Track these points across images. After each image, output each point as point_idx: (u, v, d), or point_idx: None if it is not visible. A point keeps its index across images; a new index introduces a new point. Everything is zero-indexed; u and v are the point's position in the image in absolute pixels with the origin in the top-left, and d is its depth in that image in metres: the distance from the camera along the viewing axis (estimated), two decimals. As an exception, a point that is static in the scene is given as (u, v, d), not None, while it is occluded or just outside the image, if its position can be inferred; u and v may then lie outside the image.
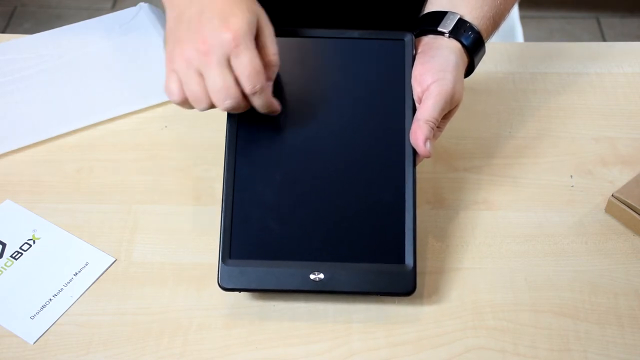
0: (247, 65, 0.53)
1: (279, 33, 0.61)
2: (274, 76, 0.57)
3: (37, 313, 0.60)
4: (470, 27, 0.61)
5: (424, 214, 0.66)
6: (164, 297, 0.61)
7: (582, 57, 0.83)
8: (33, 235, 0.65)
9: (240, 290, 0.59)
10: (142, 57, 0.82)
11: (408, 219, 0.58)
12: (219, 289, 0.58)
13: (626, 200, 0.65)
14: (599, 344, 0.58)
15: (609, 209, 0.66)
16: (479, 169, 0.71)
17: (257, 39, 0.55)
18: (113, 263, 0.63)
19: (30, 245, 0.64)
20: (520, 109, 0.77)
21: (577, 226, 0.66)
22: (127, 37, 0.84)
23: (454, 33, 0.61)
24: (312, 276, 0.57)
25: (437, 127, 0.60)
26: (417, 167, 0.60)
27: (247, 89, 0.54)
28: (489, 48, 0.65)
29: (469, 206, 0.67)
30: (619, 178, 0.70)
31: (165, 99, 0.77)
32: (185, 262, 0.63)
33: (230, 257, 0.58)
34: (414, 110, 0.60)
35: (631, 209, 0.65)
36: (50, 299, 0.60)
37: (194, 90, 0.55)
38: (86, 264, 0.63)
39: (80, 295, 0.61)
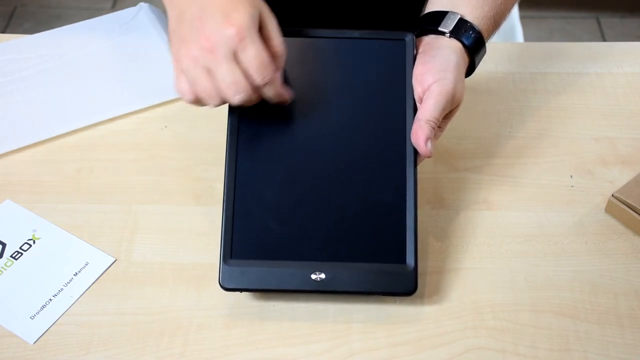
0: (254, 58, 0.54)
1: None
2: (282, 65, 0.57)
3: (37, 313, 0.60)
4: (471, 27, 0.61)
5: (424, 214, 0.66)
6: (164, 297, 0.61)
7: (582, 57, 0.83)
8: (33, 235, 0.65)
9: (241, 290, 0.59)
10: (142, 57, 0.82)
11: (409, 219, 0.58)
12: (219, 289, 0.57)
13: (626, 200, 0.65)
14: (599, 344, 0.58)
15: (609, 209, 0.66)
16: (480, 169, 0.71)
17: (261, 31, 0.55)
18: (113, 263, 0.63)
19: (30, 245, 0.64)
20: (520, 109, 0.77)
21: (577, 226, 0.66)
22: (127, 37, 0.84)
23: (455, 33, 0.61)
24: (313, 276, 0.57)
25: (438, 127, 0.60)
26: (418, 167, 0.60)
27: (257, 81, 0.55)
28: (490, 48, 0.65)
29: (469, 206, 0.67)
30: (619, 178, 0.70)
31: (165, 98, 0.77)
32: (185, 262, 0.63)
33: (231, 257, 0.58)
34: (415, 110, 0.60)
35: (631, 209, 0.65)
36: (50, 299, 0.60)
37: (204, 87, 0.55)
38: (86, 264, 0.63)
39: (80, 295, 0.61)
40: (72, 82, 0.79)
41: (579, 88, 0.79)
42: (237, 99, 0.55)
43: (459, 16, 0.62)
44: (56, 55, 0.82)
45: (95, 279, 0.62)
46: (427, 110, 0.58)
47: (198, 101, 0.56)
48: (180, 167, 0.71)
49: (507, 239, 0.65)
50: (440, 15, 0.62)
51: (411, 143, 0.59)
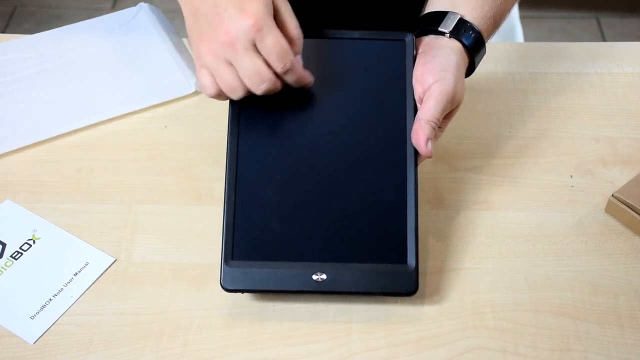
0: (273, 46, 0.54)
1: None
2: (300, 49, 0.58)
3: (37, 313, 0.60)
4: (471, 27, 0.61)
5: (424, 214, 0.66)
6: (164, 297, 0.61)
7: (582, 57, 0.83)
8: (33, 235, 0.65)
9: (242, 291, 0.59)
10: (142, 57, 0.82)
11: (410, 219, 0.58)
12: (219, 289, 0.57)
13: (626, 200, 0.65)
14: (599, 344, 0.58)
15: (609, 209, 0.66)
16: (480, 169, 0.71)
17: (276, 18, 0.56)
18: (113, 263, 0.63)
19: (30, 245, 0.64)
20: (520, 109, 0.77)
21: (577, 226, 0.66)
22: (127, 37, 0.84)
23: (455, 33, 0.61)
24: (314, 277, 0.57)
25: (439, 127, 0.60)
26: (418, 167, 0.60)
27: (279, 68, 0.55)
28: (490, 48, 0.65)
29: (469, 206, 0.67)
30: (619, 178, 0.70)
31: (165, 98, 0.77)
32: (185, 262, 0.63)
33: (232, 258, 0.58)
34: (415, 110, 0.60)
35: (631, 209, 0.65)
36: (50, 299, 0.60)
37: (227, 80, 0.56)
38: (86, 264, 0.63)
39: (80, 295, 0.61)
40: (72, 82, 0.79)
41: (579, 88, 0.79)
42: (261, 88, 0.56)
43: (459, 16, 0.62)
44: (56, 55, 0.82)
45: (95, 279, 0.62)
46: (428, 110, 0.58)
47: (221, 95, 0.57)
48: (180, 167, 0.71)
49: (507, 239, 0.65)
50: (440, 16, 0.62)
51: (411, 143, 0.59)
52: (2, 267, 0.63)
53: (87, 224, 0.66)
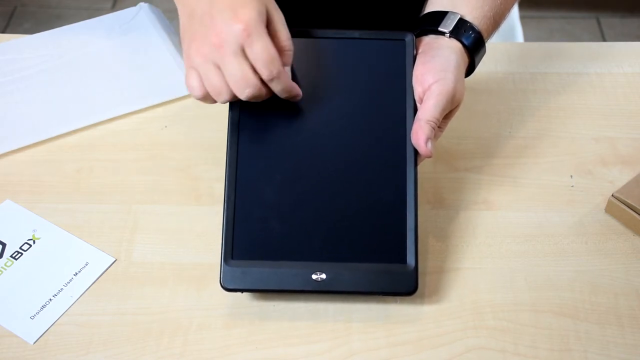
0: (261, 53, 0.54)
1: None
2: (290, 60, 0.57)
3: (37, 313, 0.60)
4: (471, 27, 0.61)
5: (424, 214, 0.66)
6: (164, 297, 0.61)
7: (582, 57, 0.83)
8: (33, 235, 0.65)
9: (242, 290, 0.59)
10: (142, 57, 0.82)
11: (410, 219, 0.58)
12: (219, 289, 0.57)
13: (626, 200, 0.65)
14: (599, 344, 0.58)
15: (609, 209, 0.66)
16: (479, 169, 0.71)
17: (269, 27, 0.56)
18: (113, 263, 0.63)
19: (30, 245, 0.64)
20: (520, 109, 0.77)
21: (577, 226, 0.66)
22: (127, 37, 0.84)
23: (455, 33, 0.61)
24: (314, 276, 0.57)
25: (438, 127, 0.60)
26: (418, 167, 0.60)
27: (265, 75, 0.55)
28: (489, 48, 0.65)
29: (469, 206, 0.67)
30: (619, 178, 0.70)
31: (165, 98, 0.77)
32: (185, 262, 0.63)
33: (232, 258, 0.58)
34: (415, 110, 0.60)
35: (631, 209, 0.65)
36: (50, 299, 0.60)
37: (213, 83, 0.56)
38: (86, 264, 0.63)
39: (80, 295, 0.61)
40: (72, 82, 0.79)
41: (579, 88, 0.79)
42: (246, 93, 0.56)
43: (459, 16, 0.62)
44: (56, 55, 0.82)
45: (95, 279, 0.62)
46: (428, 110, 0.58)
47: (208, 97, 0.57)
48: (180, 167, 0.71)
49: (507, 239, 0.65)
50: (440, 16, 0.62)
51: (411, 143, 0.59)
52: (2, 267, 0.63)
53: (87, 224, 0.66)
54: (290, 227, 0.58)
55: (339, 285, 0.57)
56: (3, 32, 2.01)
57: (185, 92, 0.77)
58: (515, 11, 1.06)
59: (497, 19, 0.64)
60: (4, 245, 0.64)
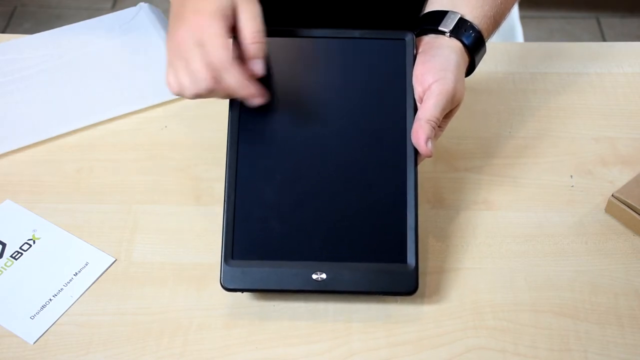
0: (211, 49, 0.55)
1: (280, 33, 0.61)
2: (255, 54, 0.57)
3: (37, 313, 0.60)
4: (471, 27, 0.61)
5: (424, 214, 0.66)
6: (164, 297, 0.61)
7: (582, 57, 0.83)
8: (33, 235, 0.65)
9: (242, 290, 0.59)
10: (142, 57, 0.82)
11: (410, 219, 0.58)
12: (219, 289, 0.57)
13: (626, 200, 0.65)
14: (599, 344, 0.58)
15: (609, 209, 0.66)
16: (479, 169, 0.71)
17: (237, 22, 0.57)
18: (113, 263, 0.63)
19: (30, 245, 0.64)
20: (520, 109, 0.77)
21: (577, 226, 0.66)
22: (127, 37, 0.84)
23: (455, 32, 0.61)
24: (314, 276, 0.57)
25: (439, 126, 0.60)
26: (418, 167, 0.60)
27: (207, 74, 0.56)
28: (490, 48, 0.65)
29: (469, 206, 0.67)
30: (619, 178, 0.70)
31: (165, 99, 0.77)
32: (185, 262, 0.63)
33: (232, 258, 0.58)
34: (415, 109, 0.60)
35: (631, 209, 0.65)
36: (50, 299, 0.60)
37: (180, 79, 0.57)
38: (86, 264, 0.63)
39: (80, 295, 0.61)
40: (72, 82, 0.79)
41: (579, 88, 0.79)
42: (198, 89, 0.56)
43: (459, 15, 0.62)
44: (56, 55, 0.82)
45: (95, 279, 0.62)
46: (428, 109, 0.58)
47: (181, 93, 0.58)
48: (180, 167, 0.71)
49: (507, 239, 0.65)
50: (440, 15, 0.62)
51: (411, 143, 0.59)
52: (2, 267, 0.63)
53: (87, 224, 0.66)
54: (290, 226, 0.58)
55: (339, 285, 0.57)
56: (3, 32, 2.01)
57: (185, 92, 0.77)
58: (515, 11, 1.06)
59: (497, 19, 0.64)
60: (4, 245, 0.64)
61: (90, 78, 0.80)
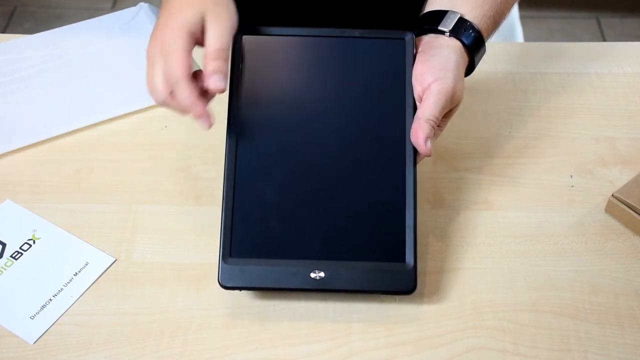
0: (169, 62, 0.56)
1: (279, 33, 0.61)
2: (217, 70, 0.57)
3: (37, 313, 0.60)
4: (471, 26, 0.61)
5: (424, 214, 0.66)
6: (164, 297, 0.61)
7: (582, 57, 0.83)
8: (33, 235, 0.65)
9: (240, 288, 0.59)
10: (142, 57, 0.81)
11: (409, 218, 0.58)
12: (219, 288, 0.57)
13: (626, 200, 0.65)
14: (599, 344, 0.58)
15: (609, 209, 0.66)
16: (479, 169, 0.71)
17: (204, 37, 0.58)
18: (113, 263, 0.63)
19: (30, 245, 0.64)
20: (520, 109, 0.77)
21: (577, 226, 0.66)
22: (127, 37, 0.84)
23: (455, 32, 0.61)
24: (312, 274, 0.57)
25: (438, 126, 0.60)
26: (417, 167, 0.60)
27: (167, 85, 0.57)
28: (489, 48, 0.65)
29: (469, 206, 0.67)
30: (619, 178, 0.70)
31: (165, 98, 0.77)
32: (185, 262, 0.63)
33: (230, 256, 0.58)
34: (415, 109, 0.60)
35: (631, 209, 0.65)
36: (50, 299, 0.60)
37: (148, 85, 0.59)
38: (86, 264, 0.63)
39: (80, 295, 0.61)
40: (72, 82, 0.79)
41: (579, 88, 0.79)
42: (157, 100, 0.58)
43: (459, 15, 0.62)
44: (56, 55, 0.82)
45: (95, 279, 0.62)
46: (427, 109, 0.58)
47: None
48: (180, 167, 0.71)
49: (507, 239, 0.65)
50: (440, 15, 0.62)
51: (411, 142, 0.59)
52: (2, 267, 0.63)
53: (87, 224, 0.66)
54: (288, 225, 0.58)
55: (337, 284, 0.57)
56: (3, 32, 2.01)
57: (185, 92, 0.77)
58: (515, 11, 1.06)
59: (497, 19, 0.64)
60: (4, 245, 0.64)
61: (90, 78, 0.80)
